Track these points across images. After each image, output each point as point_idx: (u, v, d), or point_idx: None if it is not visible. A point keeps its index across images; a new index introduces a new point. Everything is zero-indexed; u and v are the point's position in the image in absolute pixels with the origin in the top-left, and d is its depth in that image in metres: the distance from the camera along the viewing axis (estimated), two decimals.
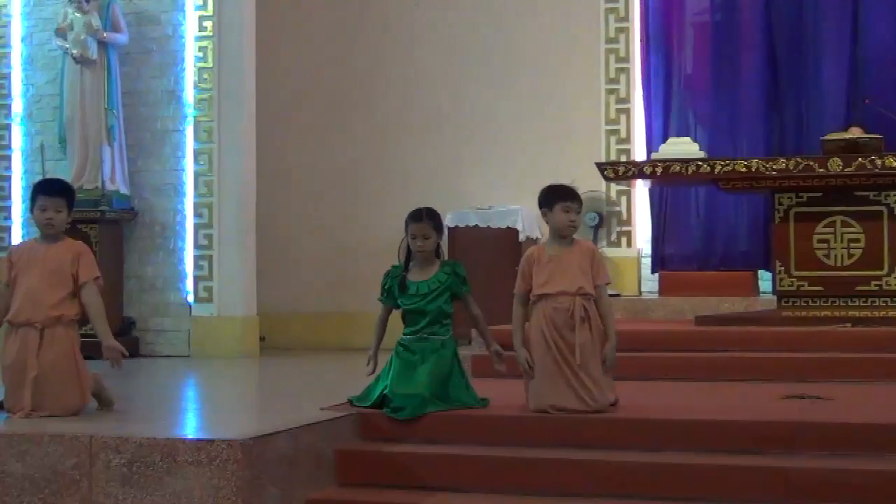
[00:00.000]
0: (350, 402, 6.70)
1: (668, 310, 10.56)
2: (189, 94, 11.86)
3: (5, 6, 12.34)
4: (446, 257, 7.07)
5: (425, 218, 6.77)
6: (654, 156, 10.13)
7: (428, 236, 6.75)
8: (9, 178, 12.30)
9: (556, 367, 6.31)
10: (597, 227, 11.83)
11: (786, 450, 5.80)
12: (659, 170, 9.39)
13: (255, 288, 11.93)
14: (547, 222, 6.59)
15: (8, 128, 12.34)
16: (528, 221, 11.85)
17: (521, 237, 11.84)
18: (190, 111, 11.85)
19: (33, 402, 6.42)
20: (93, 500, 5.63)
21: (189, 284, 11.78)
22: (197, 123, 11.81)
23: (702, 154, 9.84)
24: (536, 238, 11.67)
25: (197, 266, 11.74)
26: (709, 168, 9.24)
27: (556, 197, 6.53)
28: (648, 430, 6.13)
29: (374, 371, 6.76)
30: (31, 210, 6.82)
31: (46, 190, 6.81)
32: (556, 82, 12.52)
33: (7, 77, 12.36)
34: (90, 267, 6.66)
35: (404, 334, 6.77)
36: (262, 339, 11.94)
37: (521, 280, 6.55)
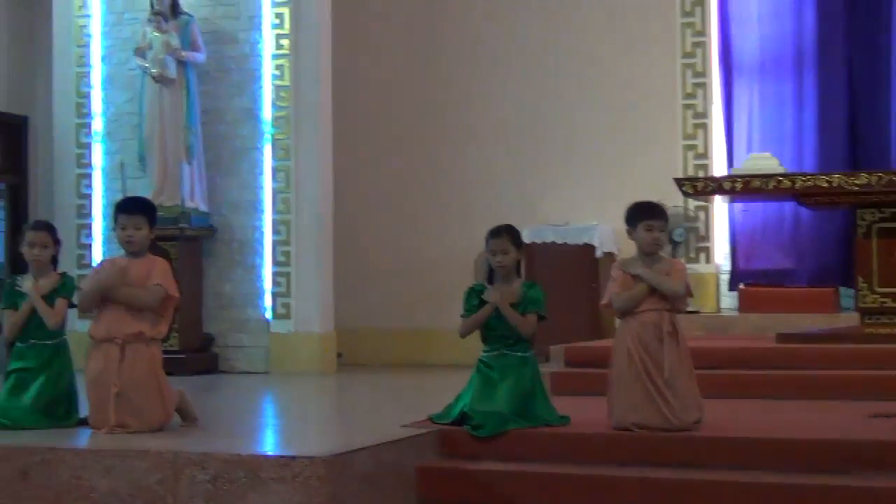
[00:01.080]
0: (430, 419, 6.70)
1: (748, 327, 10.47)
2: (266, 112, 11.94)
3: (85, 26, 12.49)
4: (524, 274, 7.05)
5: (504, 233, 6.78)
6: (733, 171, 10.05)
7: (507, 251, 6.75)
8: (90, 197, 12.42)
9: (640, 384, 6.27)
10: (676, 243, 11.74)
11: (874, 470, 5.71)
12: (739, 185, 9.31)
13: (333, 304, 11.97)
14: (633, 240, 6.56)
15: (89, 146, 12.46)
16: (605, 238, 11.80)
17: (598, 253, 11.80)
18: (267, 129, 11.92)
19: (116, 419, 6.49)
20: None
21: (267, 301, 11.84)
22: (274, 141, 11.89)
23: (782, 169, 9.76)
24: (614, 254, 11.62)
25: (275, 283, 11.81)
26: (790, 183, 9.15)
27: (639, 215, 6.51)
28: (732, 449, 6.08)
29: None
30: (114, 228, 6.89)
31: (126, 208, 6.88)
32: (632, 97, 12.46)
33: (87, 96, 12.50)
34: (159, 276, 6.70)
35: (484, 351, 6.76)
36: (339, 355, 11.99)
37: (615, 285, 6.50)
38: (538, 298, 6.73)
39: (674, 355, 6.30)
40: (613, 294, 6.47)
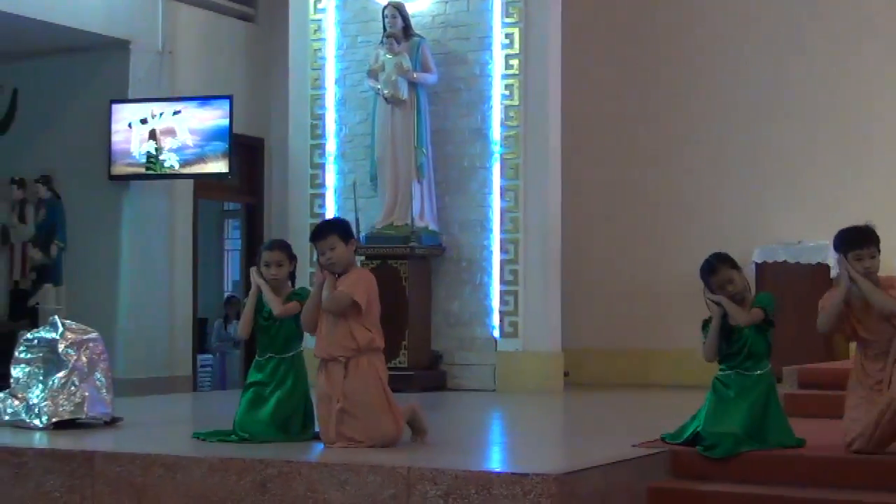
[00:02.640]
0: (663, 438, 6.65)
1: None
2: (496, 132, 12.01)
3: (320, 50, 12.79)
4: (753, 293, 6.92)
5: (719, 265, 6.69)
6: None
7: (731, 280, 6.65)
8: (322, 216, 12.64)
9: (876, 408, 6.11)
10: None
11: None
12: None
13: (560, 323, 11.97)
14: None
15: (322, 167, 12.75)
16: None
17: (833, 273, 11.50)
18: (496, 148, 12.00)
19: (340, 434, 6.61)
20: None
21: (495, 319, 11.90)
22: (503, 160, 11.95)
23: None
24: None
25: (503, 301, 11.86)
26: None
27: (847, 245, 6.37)
28: None
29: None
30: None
31: (315, 235, 6.87)
32: (866, 114, 12.16)
33: (321, 118, 12.79)
34: (352, 286, 6.69)
35: (721, 370, 6.68)
36: (565, 374, 11.97)
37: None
38: (766, 299, 6.67)
39: None
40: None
